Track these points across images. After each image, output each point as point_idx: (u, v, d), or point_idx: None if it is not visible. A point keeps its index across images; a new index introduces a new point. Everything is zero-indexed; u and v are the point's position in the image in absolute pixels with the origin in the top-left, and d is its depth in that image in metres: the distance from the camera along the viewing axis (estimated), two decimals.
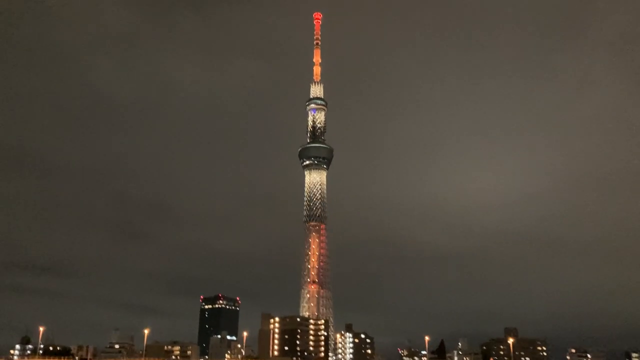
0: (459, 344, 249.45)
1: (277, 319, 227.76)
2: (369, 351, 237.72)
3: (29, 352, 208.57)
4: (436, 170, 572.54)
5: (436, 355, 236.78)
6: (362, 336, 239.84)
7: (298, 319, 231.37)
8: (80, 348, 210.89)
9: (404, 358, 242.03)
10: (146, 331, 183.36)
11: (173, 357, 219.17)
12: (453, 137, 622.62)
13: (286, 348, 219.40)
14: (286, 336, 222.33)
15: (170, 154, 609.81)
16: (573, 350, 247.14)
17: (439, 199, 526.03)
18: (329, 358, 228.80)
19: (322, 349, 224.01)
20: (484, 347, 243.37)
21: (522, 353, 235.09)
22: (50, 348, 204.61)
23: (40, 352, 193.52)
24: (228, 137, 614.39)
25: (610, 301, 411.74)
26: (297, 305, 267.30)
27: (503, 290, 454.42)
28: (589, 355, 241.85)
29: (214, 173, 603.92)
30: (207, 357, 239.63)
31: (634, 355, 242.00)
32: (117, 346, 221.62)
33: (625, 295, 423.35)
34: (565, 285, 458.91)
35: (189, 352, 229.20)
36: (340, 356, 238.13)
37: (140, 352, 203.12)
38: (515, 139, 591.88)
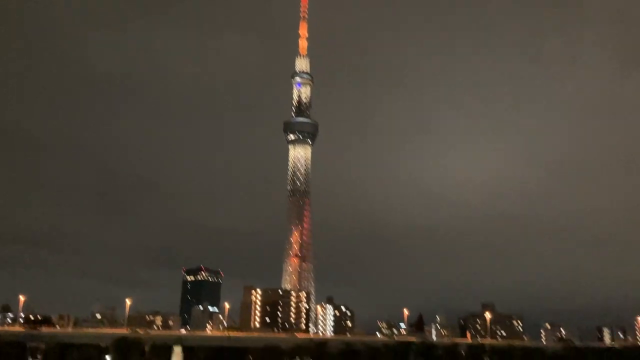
0: (437, 317, 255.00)
1: (259, 291, 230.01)
2: (349, 323, 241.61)
3: (9, 320, 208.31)
4: (420, 150, 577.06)
5: (414, 329, 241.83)
6: (343, 309, 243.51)
7: (280, 291, 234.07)
8: (61, 317, 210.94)
9: (383, 330, 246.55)
10: (128, 301, 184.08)
11: (155, 327, 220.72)
12: (438, 118, 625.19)
13: (267, 319, 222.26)
14: (268, 308, 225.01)
15: (156, 128, 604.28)
16: (548, 325, 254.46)
17: (423, 179, 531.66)
18: (310, 330, 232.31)
19: (303, 320, 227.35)
20: (462, 321, 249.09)
21: (499, 327, 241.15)
22: (31, 317, 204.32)
23: (21, 320, 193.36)
24: (214, 112, 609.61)
25: (583, 280, 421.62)
26: (279, 278, 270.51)
27: (481, 267, 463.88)
28: (562, 330, 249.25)
29: (199, 147, 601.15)
30: (188, 327, 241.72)
31: (604, 329, 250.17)
32: (98, 316, 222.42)
33: (598, 274, 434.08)
34: (542, 264, 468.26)
35: (170, 323, 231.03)
36: (320, 328, 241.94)
37: (122, 321, 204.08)
38: (500, 120, 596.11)
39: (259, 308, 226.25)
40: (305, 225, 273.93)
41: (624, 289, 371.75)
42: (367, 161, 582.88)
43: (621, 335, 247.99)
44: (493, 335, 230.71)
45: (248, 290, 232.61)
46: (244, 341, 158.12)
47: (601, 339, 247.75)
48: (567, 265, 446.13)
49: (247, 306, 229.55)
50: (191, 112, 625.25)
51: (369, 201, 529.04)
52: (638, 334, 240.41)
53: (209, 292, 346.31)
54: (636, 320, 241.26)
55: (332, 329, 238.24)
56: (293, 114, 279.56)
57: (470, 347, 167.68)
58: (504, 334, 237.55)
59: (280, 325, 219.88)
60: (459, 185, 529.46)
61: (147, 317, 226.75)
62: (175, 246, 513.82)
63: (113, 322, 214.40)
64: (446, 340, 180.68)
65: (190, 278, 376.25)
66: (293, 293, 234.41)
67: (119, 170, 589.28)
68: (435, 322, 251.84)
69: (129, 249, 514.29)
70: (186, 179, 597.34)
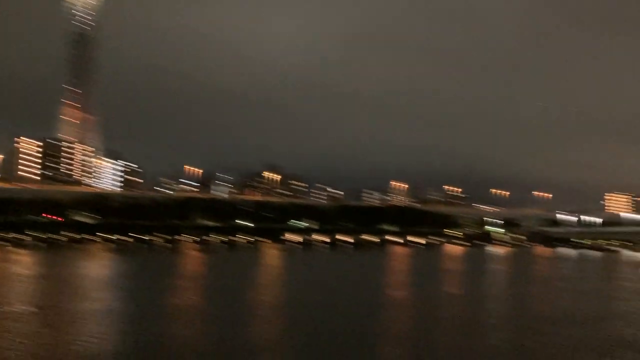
0: (225, 176, 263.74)
1: (31, 140, 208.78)
2: (135, 179, 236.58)
3: None
4: (236, 9, 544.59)
5: (201, 185, 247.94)
6: (129, 164, 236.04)
7: (56, 142, 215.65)
8: None
9: (166, 185, 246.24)
10: None
11: None
12: None
13: (43, 171, 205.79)
14: (43, 159, 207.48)
15: None
16: (320, 185, 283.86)
17: (232, 38, 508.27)
18: (92, 184, 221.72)
19: (84, 174, 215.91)
20: (248, 180, 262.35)
21: (283, 187, 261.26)
22: None
23: None
24: None
25: (362, 149, 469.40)
26: (56, 127, 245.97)
27: (273, 131, 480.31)
28: (329, 189, 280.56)
29: None
30: None
31: (365, 191, 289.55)
32: None
33: (377, 145, 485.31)
34: (332, 131, 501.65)
35: None
36: (104, 182, 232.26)
37: None
38: None
39: (31, 158, 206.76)
40: (88, 74, 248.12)
41: (390, 156, 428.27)
42: (175, 9, 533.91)
43: (383, 196, 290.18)
44: (275, 193, 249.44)
45: (18, 139, 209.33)
46: (12, 192, 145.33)
47: (360, 199, 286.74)
48: (352, 132, 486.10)
49: (16, 155, 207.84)
50: None
51: (170, 54, 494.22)
52: (391, 194, 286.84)
53: None
54: (390, 184, 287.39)
55: (117, 183, 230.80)
56: None
57: (254, 203, 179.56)
58: (288, 193, 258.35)
59: (58, 178, 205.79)
60: (271, 51, 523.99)
61: None
62: None
63: None
64: (232, 196, 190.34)
65: None
66: (71, 145, 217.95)
67: None
68: (222, 179, 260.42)
69: None
70: None
